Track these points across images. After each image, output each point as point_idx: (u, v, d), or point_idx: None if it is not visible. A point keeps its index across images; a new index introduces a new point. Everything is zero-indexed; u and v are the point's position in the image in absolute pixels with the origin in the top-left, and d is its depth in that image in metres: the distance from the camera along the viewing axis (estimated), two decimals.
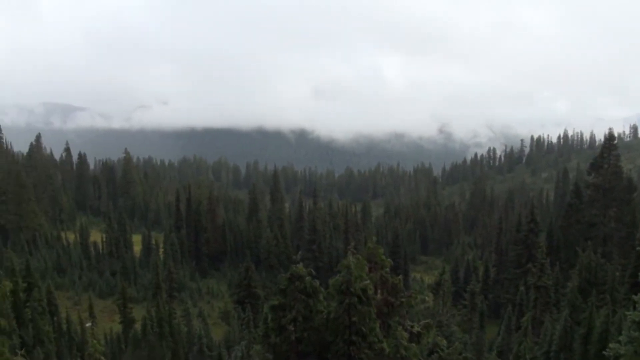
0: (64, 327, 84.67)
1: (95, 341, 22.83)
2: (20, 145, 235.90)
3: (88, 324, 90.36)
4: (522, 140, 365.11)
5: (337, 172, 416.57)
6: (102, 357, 22.37)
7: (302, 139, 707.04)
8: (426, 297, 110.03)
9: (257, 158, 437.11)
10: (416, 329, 33.26)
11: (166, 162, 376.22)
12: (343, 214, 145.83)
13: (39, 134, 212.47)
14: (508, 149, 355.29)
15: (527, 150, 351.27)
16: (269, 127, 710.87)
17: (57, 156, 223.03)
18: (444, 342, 34.65)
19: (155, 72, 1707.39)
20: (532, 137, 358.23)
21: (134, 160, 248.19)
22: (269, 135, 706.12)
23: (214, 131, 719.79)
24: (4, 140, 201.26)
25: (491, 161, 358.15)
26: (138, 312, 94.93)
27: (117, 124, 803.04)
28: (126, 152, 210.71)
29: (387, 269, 32.80)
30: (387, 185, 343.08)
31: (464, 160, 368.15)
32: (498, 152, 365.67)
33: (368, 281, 28.69)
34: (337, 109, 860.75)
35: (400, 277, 33.86)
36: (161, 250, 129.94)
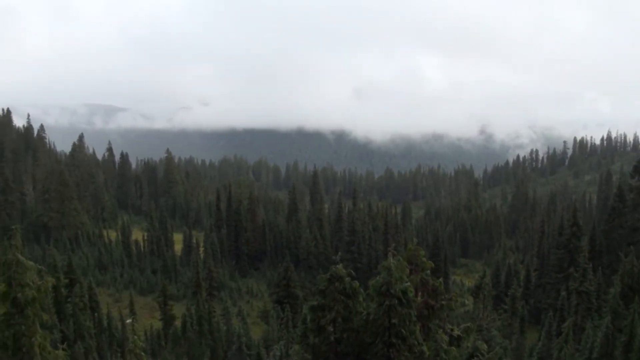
0: (105, 323, 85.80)
1: (135, 337, 22.95)
2: (63, 145, 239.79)
3: (129, 320, 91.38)
4: (564, 141, 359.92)
5: (376, 173, 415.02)
6: (143, 353, 22.47)
7: (341, 140, 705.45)
8: (466, 301, 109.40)
9: (297, 158, 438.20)
10: (456, 332, 32.93)
11: (207, 162, 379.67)
12: (383, 216, 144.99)
13: (82, 133, 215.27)
14: (550, 151, 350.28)
15: (569, 152, 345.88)
16: (308, 127, 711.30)
17: (99, 156, 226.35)
18: (485, 346, 34.13)
19: (196, 74, 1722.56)
20: (574, 139, 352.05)
21: (176, 160, 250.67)
22: (309, 136, 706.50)
23: (254, 132, 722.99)
24: (47, 140, 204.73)
25: (533, 163, 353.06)
26: (178, 310, 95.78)
27: (158, 124, 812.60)
28: (168, 152, 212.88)
29: (428, 271, 32.51)
30: (427, 187, 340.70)
31: (506, 162, 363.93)
32: (540, 154, 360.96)
33: (408, 283, 28.44)
34: (376, 110, 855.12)
35: (441, 279, 33.50)
36: (201, 249, 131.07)
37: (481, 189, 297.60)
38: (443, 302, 32.07)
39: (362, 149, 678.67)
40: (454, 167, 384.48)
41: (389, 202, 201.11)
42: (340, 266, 29.55)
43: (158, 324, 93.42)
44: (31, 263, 20.65)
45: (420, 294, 31.91)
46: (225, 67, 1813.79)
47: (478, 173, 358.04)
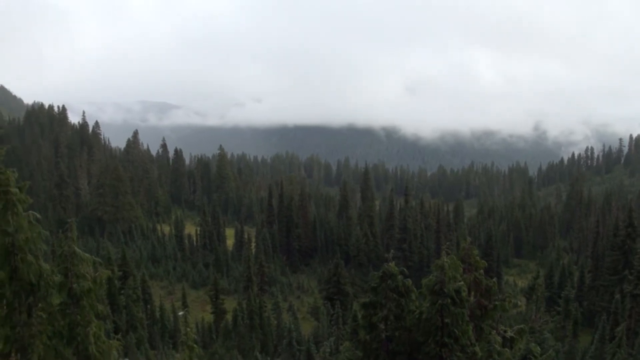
0: (157, 314, 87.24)
1: (188, 329, 23.18)
2: (118, 141, 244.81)
3: (181, 313, 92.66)
4: (620, 139, 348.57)
5: (428, 170, 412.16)
6: (195, 345, 22.67)
7: (393, 137, 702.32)
8: (519, 302, 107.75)
9: (348, 155, 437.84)
10: (509, 334, 32.35)
11: (259, 159, 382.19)
12: (435, 214, 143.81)
13: (136, 130, 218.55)
14: (606, 149, 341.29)
15: (625, 149, 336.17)
16: (360, 124, 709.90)
17: (153, 152, 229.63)
18: (538, 349, 33.57)
19: (248, 71, 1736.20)
20: (630, 136, 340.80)
21: (228, 156, 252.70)
22: (360, 133, 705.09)
23: (306, 128, 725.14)
24: (102, 136, 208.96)
25: (589, 161, 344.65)
26: (229, 304, 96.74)
27: (211, 121, 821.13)
28: (221, 148, 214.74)
29: (481, 271, 32.02)
30: (480, 185, 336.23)
31: (561, 160, 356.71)
32: (596, 152, 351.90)
33: (462, 282, 28.01)
34: (428, 106, 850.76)
35: (494, 279, 32.95)
36: (253, 244, 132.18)
37: (535, 187, 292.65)
38: (496, 303, 31.52)
39: (413, 146, 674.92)
40: (507, 164, 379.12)
41: (441, 200, 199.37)
42: (392, 264, 29.31)
43: (209, 317, 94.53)
44: (87, 255, 20.98)
45: (473, 293, 31.45)
46: (277, 64, 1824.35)
47: (532, 171, 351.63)
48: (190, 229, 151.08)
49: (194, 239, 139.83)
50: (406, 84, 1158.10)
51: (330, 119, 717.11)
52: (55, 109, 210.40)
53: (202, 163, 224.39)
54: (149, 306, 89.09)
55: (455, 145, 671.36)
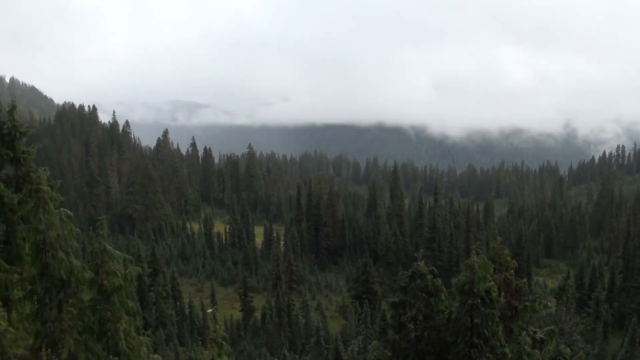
0: (186, 311, 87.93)
1: (218, 326, 23.30)
2: (148, 141, 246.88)
3: (210, 310, 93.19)
4: None
5: (457, 169, 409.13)
6: (224, 342, 22.76)
7: (422, 135, 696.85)
8: (549, 303, 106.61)
9: (377, 154, 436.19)
10: (539, 335, 32.03)
11: (288, 157, 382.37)
12: (464, 213, 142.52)
13: (166, 129, 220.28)
14: (637, 147, 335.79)
15: None
16: (389, 122, 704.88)
17: (183, 151, 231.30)
18: (568, 351, 33.11)
19: (277, 70, 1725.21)
20: None
21: (257, 155, 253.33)
22: (389, 131, 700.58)
23: (334, 127, 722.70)
24: (132, 136, 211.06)
25: (620, 160, 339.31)
26: (258, 302, 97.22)
27: (240, 120, 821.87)
28: (250, 147, 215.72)
29: (512, 271, 31.71)
30: (510, 184, 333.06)
31: (592, 159, 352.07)
32: (627, 150, 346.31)
33: (492, 283, 27.74)
34: (457, 104, 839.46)
35: (525, 280, 32.60)
36: (282, 242, 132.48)
37: (566, 186, 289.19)
38: (526, 304, 31.21)
39: (442, 145, 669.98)
40: (536, 163, 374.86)
41: (471, 199, 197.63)
42: (422, 263, 29.12)
43: (238, 315, 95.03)
44: (118, 252, 21.17)
45: (503, 294, 31.14)
46: (305, 63, 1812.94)
47: (563, 170, 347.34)
48: (220, 227, 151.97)
49: (223, 237, 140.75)
50: (434, 82, 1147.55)
51: (358, 117, 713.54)
52: (86, 108, 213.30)
53: (231, 162, 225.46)
54: (178, 303, 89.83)
55: (483, 144, 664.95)
